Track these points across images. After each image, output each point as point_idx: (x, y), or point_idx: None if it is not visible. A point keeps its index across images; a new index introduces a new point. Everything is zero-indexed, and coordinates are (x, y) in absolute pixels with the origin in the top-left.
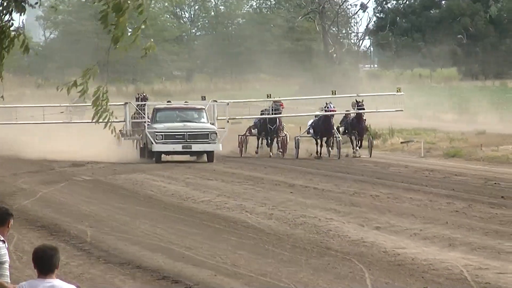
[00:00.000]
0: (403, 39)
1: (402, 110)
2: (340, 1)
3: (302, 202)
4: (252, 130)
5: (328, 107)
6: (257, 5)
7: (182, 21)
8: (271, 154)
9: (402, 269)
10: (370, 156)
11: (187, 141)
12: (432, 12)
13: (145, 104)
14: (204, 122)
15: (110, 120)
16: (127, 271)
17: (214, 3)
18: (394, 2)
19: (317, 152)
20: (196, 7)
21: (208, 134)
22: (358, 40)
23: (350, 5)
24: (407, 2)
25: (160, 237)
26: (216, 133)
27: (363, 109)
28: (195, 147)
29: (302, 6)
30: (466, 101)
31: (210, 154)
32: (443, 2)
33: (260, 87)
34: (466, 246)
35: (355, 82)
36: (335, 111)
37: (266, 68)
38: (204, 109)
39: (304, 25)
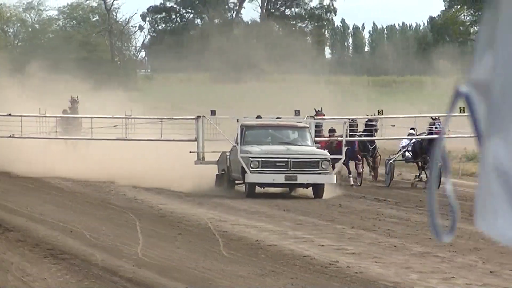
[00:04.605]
0: (170, 52)
1: None
2: (123, 23)
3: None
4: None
5: (436, 127)
6: (63, 24)
7: (7, 35)
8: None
9: (164, 220)
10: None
11: (291, 170)
12: (191, 32)
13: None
14: (309, 145)
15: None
16: None
17: (31, 22)
18: (164, 25)
19: (419, 177)
20: (18, 24)
21: (318, 161)
22: (136, 52)
23: (132, 26)
24: (173, 26)
25: None
26: (328, 161)
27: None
28: (302, 179)
29: (96, 26)
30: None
31: (319, 188)
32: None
33: (64, 87)
34: (210, 204)
35: (133, 82)
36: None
37: (70, 71)
38: (308, 128)
39: (97, 40)
